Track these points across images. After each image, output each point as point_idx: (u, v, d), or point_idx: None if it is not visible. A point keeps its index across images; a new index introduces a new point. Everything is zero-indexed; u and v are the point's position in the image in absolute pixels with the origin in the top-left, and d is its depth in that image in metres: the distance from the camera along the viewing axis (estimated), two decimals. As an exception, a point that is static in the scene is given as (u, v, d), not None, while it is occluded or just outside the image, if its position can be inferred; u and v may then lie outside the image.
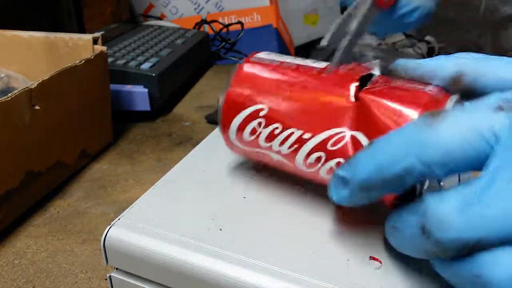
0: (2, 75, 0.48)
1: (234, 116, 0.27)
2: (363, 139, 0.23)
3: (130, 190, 0.44)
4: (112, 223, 0.26)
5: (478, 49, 1.16)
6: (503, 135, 0.17)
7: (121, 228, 0.26)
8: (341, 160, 0.24)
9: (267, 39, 1.02)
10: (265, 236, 0.25)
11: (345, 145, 0.24)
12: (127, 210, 0.28)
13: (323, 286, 0.22)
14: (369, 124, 0.23)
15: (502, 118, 0.17)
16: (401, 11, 0.36)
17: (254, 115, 0.26)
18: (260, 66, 0.28)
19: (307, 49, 1.27)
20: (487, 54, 0.23)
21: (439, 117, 0.18)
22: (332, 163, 0.24)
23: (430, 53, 1.25)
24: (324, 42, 0.26)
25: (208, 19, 0.92)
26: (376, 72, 0.26)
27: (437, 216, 0.18)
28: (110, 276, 0.27)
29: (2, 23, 0.53)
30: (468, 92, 0.22)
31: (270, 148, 0.27)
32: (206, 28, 0.92)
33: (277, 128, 0.26)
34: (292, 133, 0.25)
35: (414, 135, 0.19)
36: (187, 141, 0.53)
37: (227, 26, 0.85)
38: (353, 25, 0.27)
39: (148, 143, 0.52)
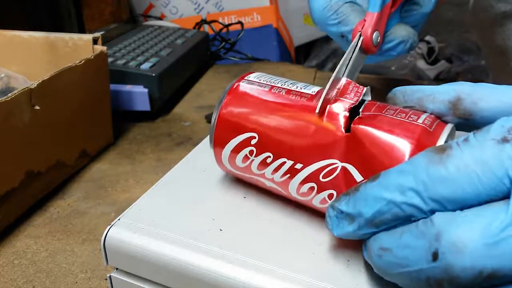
0: (2, 75, 0.48)
1: (226, 141, 0.27)
2: (354, 172, 0.23)
3: (130, 190, 0.44)
4: (112, 223, 0.26)
5: (478, 49, 1.16)
6: None
7: (121, 228, 0.26)
8: (333, 191, 0.24)
9: (267, 39, 1.02)
10: (265, 236, 0.25)
11: (337, 177, 0.24)
12: (127, 210, 0.28)
13: (323, 286, 0.22)
14: (360, 156, 0.23)
15: (509, 151, 0.17)
16: (385, 46, 0.35)
17: (245, 143, 0.26)
18: (252, 92, 0.27)
19: (307, 49, 1.27)
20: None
21: (445, 154, 0.18)
22: (325, 194, 0.24)
23: (430, 53, 1.25)
24: (319, 108, 0.25)
25: (208, 19, 0.92)
26: (368, 97, 0.25)
27: (454, 239, 0.17)
28: (110, 276, 0.27)
29: (2, 23, 0.53)
30: (466, 117, 0.22)
31: (263, 175, 0.26)
32: (206, 28, 0.92)
33: (269, 157, 0.25)
34: (284, 162, 0.25)
35: (423, 172, 0.18)
36: (187, 141, 0.53)
37: (227, 26, 0.85)
38: (345, 73, 0.27)
39: (148, 143, 0.52)
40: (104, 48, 0.47)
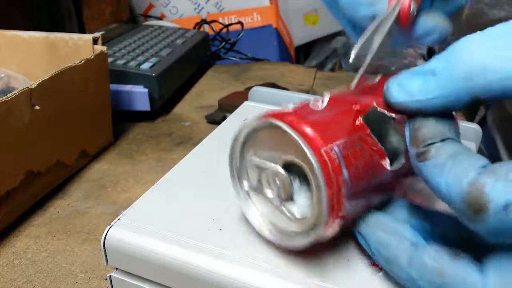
0: (2, 75, 0.48)
1: None
2: None
3: (130, 190, 0.44)
4: (112, 223, 0.26)
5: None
6: None
7: (121, 228, 0.26)
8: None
9: (267, 39, 1.02)
10: (265, 236, 0.25)
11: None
12: (127, 210, 0.28)
13: (323, 286, 0.22)
14: None
15: None
16: (418, 32, 0.33)
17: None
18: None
19: (307, 49, 1.27)
20: None
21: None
22: None
23: (430, 53, 1.25)
24: (351, 60, 0.26)
25: (208, 19, 0.92)
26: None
27: None
28: (110, 276, 0.27)
29: (2, 23, 0.53)
30: None
31: None
32: (206, 28, 0.92)
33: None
34: None
35: None
36: (187, 141, 0.53)
37: (227, 26, 0.86)
38: (376, 42, 0.26)
39: (148, 143, 0.52)
40: (104, 48, 0.47)
